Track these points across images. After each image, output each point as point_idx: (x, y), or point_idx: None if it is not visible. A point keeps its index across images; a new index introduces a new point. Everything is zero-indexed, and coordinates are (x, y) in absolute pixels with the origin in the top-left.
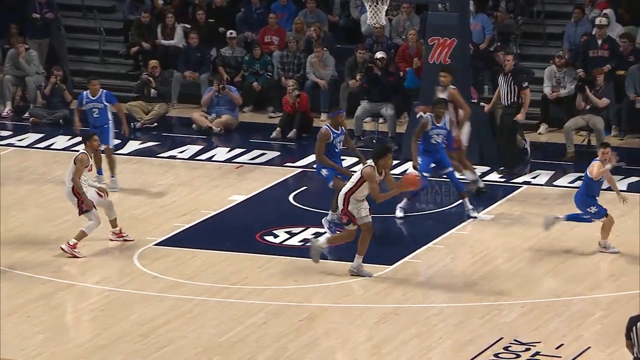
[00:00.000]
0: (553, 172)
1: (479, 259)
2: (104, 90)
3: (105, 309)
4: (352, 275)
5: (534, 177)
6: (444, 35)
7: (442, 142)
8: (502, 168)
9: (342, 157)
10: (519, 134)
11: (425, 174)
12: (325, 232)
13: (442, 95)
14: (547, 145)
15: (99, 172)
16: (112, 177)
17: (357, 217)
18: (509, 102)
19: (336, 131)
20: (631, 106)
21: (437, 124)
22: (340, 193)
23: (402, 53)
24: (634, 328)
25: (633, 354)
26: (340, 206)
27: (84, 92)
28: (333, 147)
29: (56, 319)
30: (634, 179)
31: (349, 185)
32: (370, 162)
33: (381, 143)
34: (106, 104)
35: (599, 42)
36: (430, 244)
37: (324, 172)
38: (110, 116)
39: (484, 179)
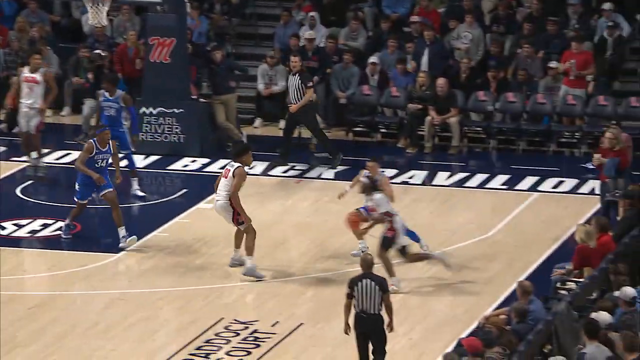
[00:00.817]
0: (267, 162)
1: (201, 245)
2: None
3: None
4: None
5: (250, 168)
6: (163, 35)
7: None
8: (277, 159)
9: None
10: (237, 127)
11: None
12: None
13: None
14: (262, 138)
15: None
16: None
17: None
18: (296, 100)
19: (102, 148)
20: (336, 102)
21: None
22: (223, 204)
23: (121, 53)
24: (355, 287)
25: (354, 310)
26: (230, 214)
27: None
28: (94, 162)
29: None
30: (341, 168)
31: (226, 193)
32: (234, 163)
33: (238, 142)
34: None
35: (309, 54)
36: (155, 232)
37: (77, 187)
38: None
39: (206, 169)
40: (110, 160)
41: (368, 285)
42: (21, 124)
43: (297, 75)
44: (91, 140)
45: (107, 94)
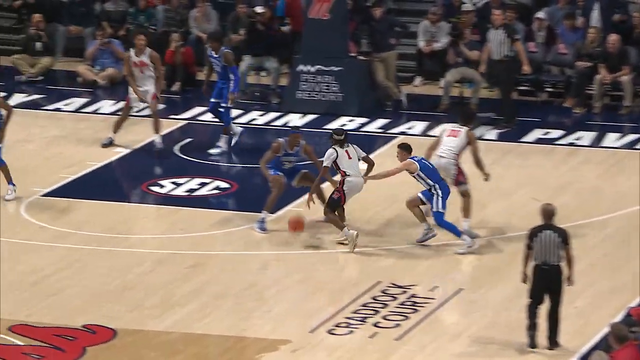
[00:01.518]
0: (428, 122)
1: (357, 207)
2: None
3: None
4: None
5: (409, 128)
6: None
7: None
8: (502, 121)
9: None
10: (396, 86)
11: None
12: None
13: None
14: (421, 97)
15: None
16: None
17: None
18: (501, 55)
19: (290, 150)
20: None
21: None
22: (448, 162)
23: (290, 6)
24: (535, 238)
25: (532, 262)
26: (453, 173)
27: None
28: (280, 163)
29: None
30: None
31: (453, 153)
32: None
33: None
34: None
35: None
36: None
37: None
38: None
39: (363, 129)
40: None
41: (549, 237)
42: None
43: (500, 28)
44: (281, 140)
45: (213, 52)
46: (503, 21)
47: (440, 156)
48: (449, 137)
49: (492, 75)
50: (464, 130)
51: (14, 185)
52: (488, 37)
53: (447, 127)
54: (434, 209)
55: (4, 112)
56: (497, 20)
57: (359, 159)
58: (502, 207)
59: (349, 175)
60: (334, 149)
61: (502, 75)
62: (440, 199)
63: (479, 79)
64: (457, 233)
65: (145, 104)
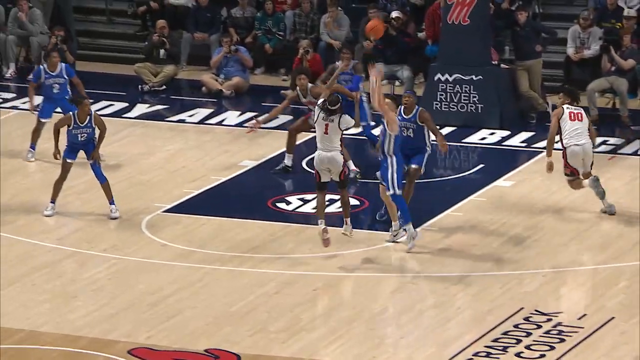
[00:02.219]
0: None
1: (498, 227)
2: (63, 64)
3: (112, 278)
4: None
5: (556, 142)
6: None
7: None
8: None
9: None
10: (542, 96)
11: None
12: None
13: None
14: None
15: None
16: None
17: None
18: None
19: (405, 115)
20: None
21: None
22: (589, 146)
23: (432, 14)
24: None
25: None
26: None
27: (41, 67)
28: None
29: (61, 288)
30: None
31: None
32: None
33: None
34: (66, 78)
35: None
36: (448, 211)
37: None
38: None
39: (505, 143)
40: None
41: None
42: None
43: None
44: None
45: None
46: None
47: (579, 144)
48: (574, 121)
49: None
50: (582, 110)
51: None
52: None
53: (564, 111)
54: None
55: (97, 130)
56: None
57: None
58: None
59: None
60: (316, 113)
61: None
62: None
63: (625, 89)
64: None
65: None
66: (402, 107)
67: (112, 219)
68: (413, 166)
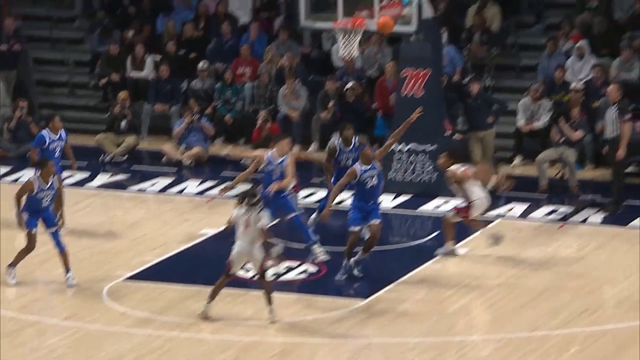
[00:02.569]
0: (527, 204)
1: (453, 293)
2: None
3: (73, 346)
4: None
5: (508, 210)
6: (417, 66)
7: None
8: (608, 204)
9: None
10: (494, 166)
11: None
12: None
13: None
14: (521, 178)
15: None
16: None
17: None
18: (613, 134)
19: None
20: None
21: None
22: None
23: (379, 87)
24: None
25: None
26: None
27: (45, 132)
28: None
29: (22, 357)
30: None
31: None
32: None
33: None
34: (64, 140)
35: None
36: (404, 278)
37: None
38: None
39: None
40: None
41: None
42: None
43: (615, 105)
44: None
45: (342, 144)
46: (619, 97)
47: (481, 197)
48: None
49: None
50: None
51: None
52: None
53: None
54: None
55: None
56: (613, 96)
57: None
58: (609, 294)
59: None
60: (239, 209)
61: (612, 156)
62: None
63: (574, 160)
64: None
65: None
66: (359, 161)
67: (69, 286)
68: (377, 222)
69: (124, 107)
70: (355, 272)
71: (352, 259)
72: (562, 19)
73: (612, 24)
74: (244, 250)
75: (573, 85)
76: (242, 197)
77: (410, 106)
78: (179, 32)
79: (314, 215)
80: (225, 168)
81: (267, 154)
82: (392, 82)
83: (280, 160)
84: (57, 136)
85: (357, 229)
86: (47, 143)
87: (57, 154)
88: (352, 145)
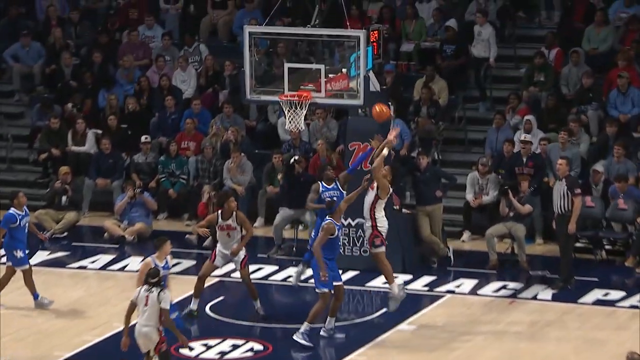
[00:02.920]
0: (477, 280)
1: None
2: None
3: None
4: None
5: (457, 286)
6: (364, 140)
7: None
8: (558, 280)
9: None
10: (442, 241)
11: None
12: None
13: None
14: (470, 253)
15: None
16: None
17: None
18: (563, 209)
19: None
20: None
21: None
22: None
23: (314, 163)
24: None
25: None
26: None
27: (12, 210)
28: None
29: None
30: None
31: None
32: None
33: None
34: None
35: (524, 159)
36: (352, 355)
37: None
38: None
39: (407, 287)
40: None
41: None
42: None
43: (563, 180)
44: (331, 221)
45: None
46: (567, 172)
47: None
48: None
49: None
50: None
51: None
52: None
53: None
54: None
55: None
56: (561, 170)
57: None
58: None
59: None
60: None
61: (562, 231)
62: None
63: (523, 235)
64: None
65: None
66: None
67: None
68: (341, 283)
69: (65, 182)
70: (339, 335)
71: (327, 326)
72: (510, 93)
73: (560, 98)
74: (139, 332)
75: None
76: (146, 276)
77: (359, 179)
78: (121, 106)
79: (297, 269)
80: None
81: (150, 258)
82: (325, 160)
83: (163, 264)
84: (24, 212)
85: (327, 290)
86: (17, 221)
87: (26, 230)
88: (333, 184)
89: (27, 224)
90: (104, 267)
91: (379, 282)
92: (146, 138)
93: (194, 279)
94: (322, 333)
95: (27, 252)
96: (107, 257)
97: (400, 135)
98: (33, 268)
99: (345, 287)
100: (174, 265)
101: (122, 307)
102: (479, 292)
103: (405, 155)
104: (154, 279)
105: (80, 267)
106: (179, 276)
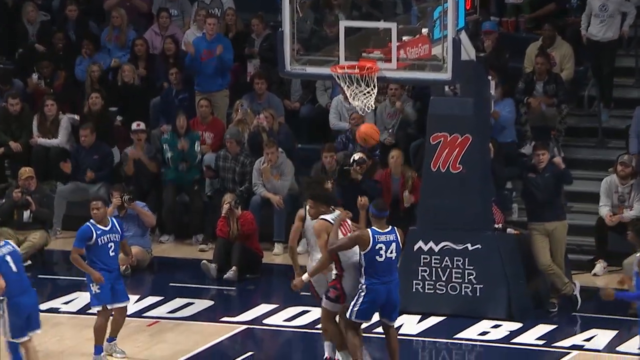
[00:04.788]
0: (616, 331)
1: None
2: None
3: None
4: None
5: (587, 340)
6: (452, 130)
7: None
8: None
9: None
10: (566, 274)
11: None
12: None
13: None
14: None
15: None
16: None
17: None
18: None
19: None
20: None
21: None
22: None
23: (383, 182)
24: None
25: None
26: None
27: (88, 224)
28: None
29: None
30: None
31: None
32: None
33: None
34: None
35: None
36: None
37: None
38: None
39: (516, 340)
40: None
41: None
42: None
43: None
44: None
45: None
46: None
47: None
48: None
49: None
50: None
51: None
52: None
53: None
54: None
55: None
56: None
57: None
58: None
59: None
60: None
61: None
62: None
63: None
64: None
65: None
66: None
67: None
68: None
69: (28, 191)
70: None
71: None
72: None
73: None
74: None
75: None
76: None
77: (444, 186)
78: (108, 80)
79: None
80: (174, 275)
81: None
82: (399, 181)
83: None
84: (109, 227)
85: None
86: (94, 238)
87: (112, 253)
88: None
89: (111, 244)
90: (82, 310)
91: (472, 333)
92: (138, 125)
93: (208, 327)
94: None
95: None
96: (87, 296)
97: (505, 122)
98: None
99: (430, 338)
100: (184, 306)
101: None
102: (618, 348)
103: (513, 151)
104: None
105: (49, 310)
106: (188, 323)
